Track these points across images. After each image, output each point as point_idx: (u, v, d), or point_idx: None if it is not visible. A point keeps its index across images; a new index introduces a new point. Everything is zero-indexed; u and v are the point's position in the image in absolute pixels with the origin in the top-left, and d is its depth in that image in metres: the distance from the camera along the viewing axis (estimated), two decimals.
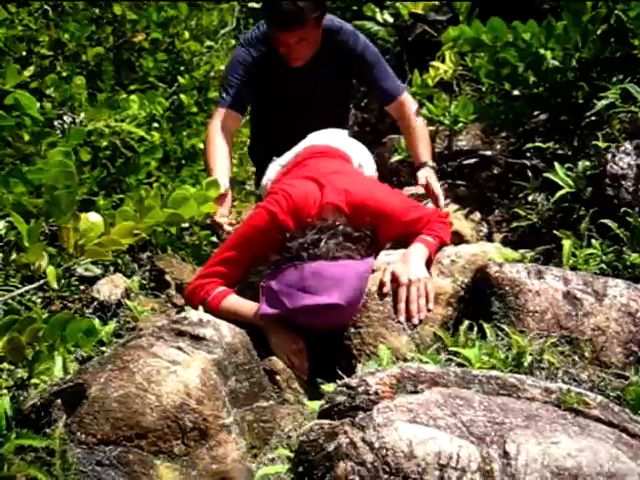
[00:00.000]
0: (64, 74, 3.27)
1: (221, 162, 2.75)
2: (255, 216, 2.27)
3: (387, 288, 2.09)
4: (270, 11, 2.67)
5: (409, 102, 2.95)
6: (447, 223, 2.34)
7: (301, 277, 1.98)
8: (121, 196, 2.98)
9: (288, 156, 2.74)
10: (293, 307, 1.98)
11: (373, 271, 2.16)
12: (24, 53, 3.18)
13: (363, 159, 2.77)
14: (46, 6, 3.41)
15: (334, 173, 2.38)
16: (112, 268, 2.80)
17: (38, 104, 2.34)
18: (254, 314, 2.13)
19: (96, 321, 2.39)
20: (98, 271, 2.72)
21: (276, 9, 2.62)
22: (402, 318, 2.05)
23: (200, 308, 2.08)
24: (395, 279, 2.10)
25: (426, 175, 2.76)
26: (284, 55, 2.78)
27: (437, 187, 2.74)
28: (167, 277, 2.97)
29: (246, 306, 2.17)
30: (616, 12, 2.69)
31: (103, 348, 2.08)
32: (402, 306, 2.05)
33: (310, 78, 2.88)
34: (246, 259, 2.25)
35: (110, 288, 2.63)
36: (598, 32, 2.75)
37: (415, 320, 2.04)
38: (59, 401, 1.60)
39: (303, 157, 2.60)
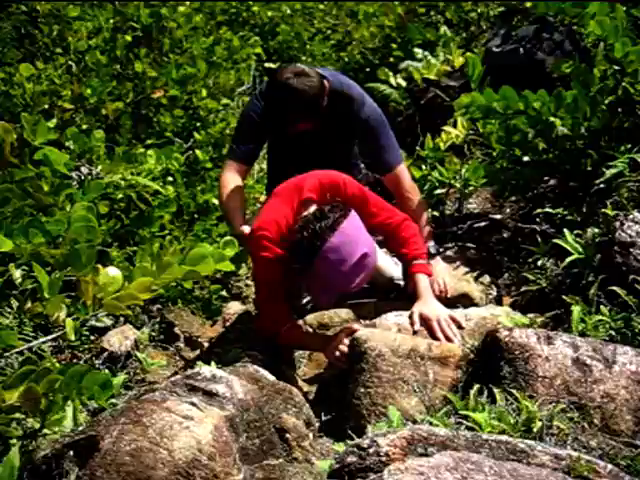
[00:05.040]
0: (84, 127, 3.36)
1: (240, 203, 2.88)
2: (258, 265, 2.59)
3: (417, 326, 2.41)
4: (281, 105, 2.67)
5: (404, 174, 2.97)
6: (418, 233, 2.71)
7: (329, 261, 2.32)
8: (134, 248, 3.02)
9: None
10: (346, 268, 2.32)
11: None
12: (46, 106, 3.27)
13: None
14: (70, 62, 3.53)
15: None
16: (122, 319, 2.82)
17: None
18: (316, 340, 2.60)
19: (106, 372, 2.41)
20: (109, 322, 2.74)
21: (289, 105, 2.64)
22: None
23: None
24: (424, 319, 2.42)
25: (443, 277, 2.83)
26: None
27: (448, 282, 2.83)
28: (176, 330, 2.99)
29: (308, 335, 2.66)
30: (624, 84, 2.76)
31: (113, 400, 2.09)
32: (440, 335, 2.35)
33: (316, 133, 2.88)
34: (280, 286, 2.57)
35: (120, 339, 2.64)
36: (606, 102, 2.81)
37: (456, 340, 2.32)
38: (71, 453, 1.60)
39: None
